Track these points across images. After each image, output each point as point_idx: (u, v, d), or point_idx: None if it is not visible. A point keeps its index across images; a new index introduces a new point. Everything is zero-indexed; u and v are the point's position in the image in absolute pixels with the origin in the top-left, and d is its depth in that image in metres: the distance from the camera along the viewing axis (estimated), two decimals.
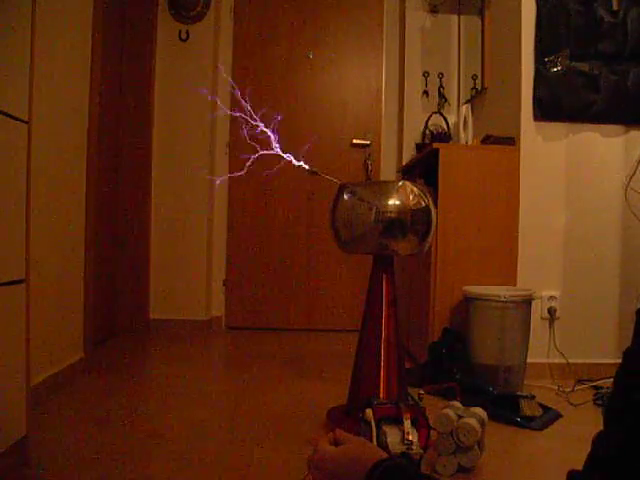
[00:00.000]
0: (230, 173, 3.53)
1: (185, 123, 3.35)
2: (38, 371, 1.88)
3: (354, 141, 3.54)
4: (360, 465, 0.72)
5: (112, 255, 3.11)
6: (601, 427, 0.58)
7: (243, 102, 1.72)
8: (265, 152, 1.71)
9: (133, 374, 2.40)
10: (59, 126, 2.09)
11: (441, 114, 3.27)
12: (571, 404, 2.05)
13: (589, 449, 0.59)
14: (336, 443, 0.80)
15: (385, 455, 0.73)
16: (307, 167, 1.77)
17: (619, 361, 0.60)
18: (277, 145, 1.73)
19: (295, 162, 1.72)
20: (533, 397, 1.86)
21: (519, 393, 1.92)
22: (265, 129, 1.73)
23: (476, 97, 3.09)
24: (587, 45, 2.39)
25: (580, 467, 0.66)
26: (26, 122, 1.36)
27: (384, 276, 1.74)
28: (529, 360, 2.23)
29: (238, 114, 1.78)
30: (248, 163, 1.71)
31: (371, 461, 0.71)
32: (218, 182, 3.14)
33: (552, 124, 2.43)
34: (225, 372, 2.60)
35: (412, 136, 3.42)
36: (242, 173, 1.84)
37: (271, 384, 2.28)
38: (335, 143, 3.56)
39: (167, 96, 3.34)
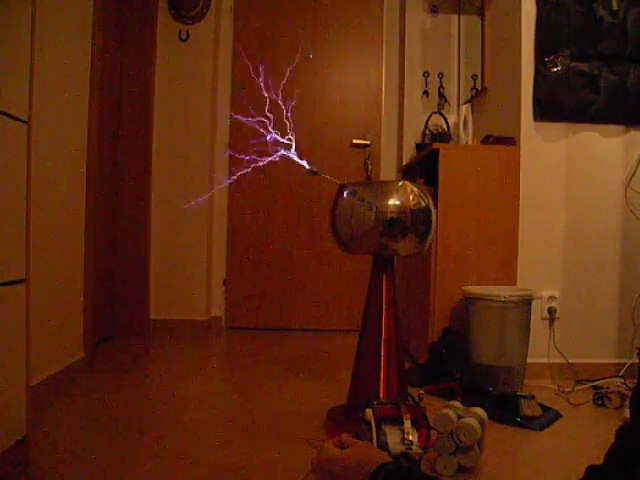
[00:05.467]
0: (233, 174, 3.53)
1: (185, 123, 3.35)
2: (38, 371, 1.88)
3: (354, 141, 3.54)
4: (364, 467, 0.73)
5: (112, 255, 3.11)
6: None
7: (243, 102, 1.72)
8: (271, 158, 1.71)
9: (133, 374, 2.40)
10: (59, 126, 2.09)
11: (441, 114, 3.27)
12: (571, 404, 2.05)
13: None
14: (342, 446, 0.81)
15: (389, 458, 0.74)
16: (307, 167, 1.77)
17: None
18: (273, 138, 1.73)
19: (296, 159, 1.72)
20: (533, 397, 1.86)
21: (519, 393, 1.92)
22: (266, 131, 1.73)
23: (476, 97, 3.09)
24: (587, 45, 2.39)
25: (582, 467, 0.66)
26: (26, 122, 1.36)
27: (384, 276, 1.74)
28: (529, 360, 2.23)
29: (238, 115, 1.78)
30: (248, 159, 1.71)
31: (375, 464, 0.72)
32: (227, 182, 3.10)
33: (552, 124, 2.43)
34: (225, 372, 2.60)
35: (412, 136, 3.42)
36: (248, 169, 1.83)
37: (271, 384, 2.28)
38: (335, 143, 3.56)
39: (167, 96, 3.34)
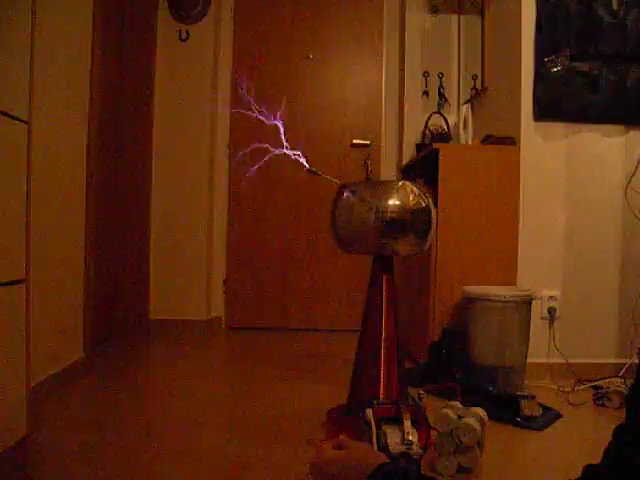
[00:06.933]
0: (232, 172, 3.53)
1: (185, 123, 3.35)
2: (38, 371, 1.88)
3: (354, 141, 3.54)
4: (362, 469, 0.73)
5: (112, 255, 3.11)
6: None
7: (243, 103, 1.72)
8: (276, 152, 1.71)
9: (133, 374, 2.40)
10: (59, 126, 2.09)
11: (441, 114, 3.26)
12: (571, 404, 2.05)
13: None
14: (340, 448, 0.81)
15: (387, 460, 0.73)
16: (307, 167, 1.77)
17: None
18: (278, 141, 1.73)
19: (296, 157, 1.72)
20: (533, 397, 1.86)
21: (519, 393, 1.92)
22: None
23: (476, 97, 3.09)
24: (587, 45, 2.38)
25: (581, 466, 0.66)
26: (26, 122, 1.36)
27: (384, 276, 1.74)
28: (529, 360, 2.23)
29: (238, 112, 1.78)
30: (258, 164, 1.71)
31: (373, 465, 0.72)
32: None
33: (552, 124, 2.43)
34: (225, 372, 2.60)
35: (412, 136, 3.41)
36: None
37: (271, 384, 2.28)
38: (335, 143, 3.56)
39: (167, 96, 3.34)
